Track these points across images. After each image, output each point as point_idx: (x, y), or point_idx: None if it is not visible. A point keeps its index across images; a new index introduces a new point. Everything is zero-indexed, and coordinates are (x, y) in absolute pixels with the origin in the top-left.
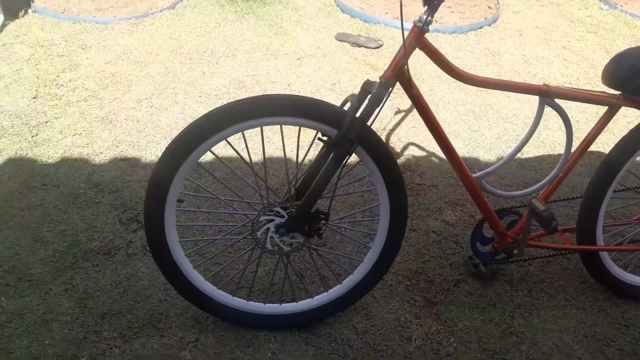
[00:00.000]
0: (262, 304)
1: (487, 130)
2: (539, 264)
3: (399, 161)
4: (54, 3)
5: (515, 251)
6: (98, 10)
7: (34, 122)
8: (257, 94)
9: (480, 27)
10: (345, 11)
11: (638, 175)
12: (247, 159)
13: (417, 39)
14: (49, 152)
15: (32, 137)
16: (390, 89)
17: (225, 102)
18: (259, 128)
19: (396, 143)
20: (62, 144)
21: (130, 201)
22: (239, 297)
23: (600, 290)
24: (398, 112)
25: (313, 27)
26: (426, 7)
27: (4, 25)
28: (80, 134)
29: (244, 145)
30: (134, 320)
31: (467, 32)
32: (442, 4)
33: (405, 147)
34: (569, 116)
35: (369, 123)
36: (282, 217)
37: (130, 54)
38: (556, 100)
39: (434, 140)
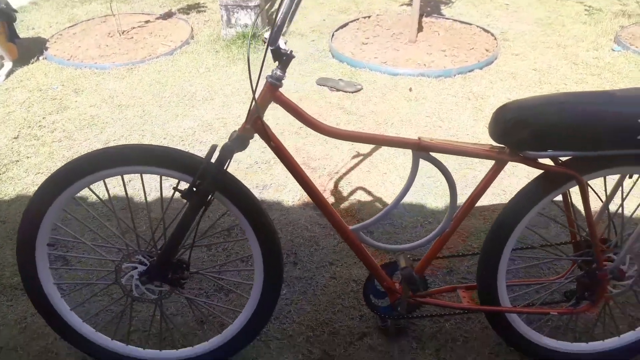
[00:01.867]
0: (141, 348)
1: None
2: (457, 321)
3: (342, 206)
4: (64, 50)
5: (399, 307)
6: (101, 57)
7: (6, 161)
8: (224, 135)
9: (471, 70)
10: (335, 56)
11: (541, 232)
12: (112, 206)
13: (271, 93)
14: (8, 190)
15: None
16: (247, 140)
17: (187, 144)
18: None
19: (344, 187)
20: (22, 182)
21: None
22: (118, 341)
23: (518, 355)
24: (356, 155)
25: (299, 72)
26: (277, 62)
27: (12, 71)
28: (42, 173)
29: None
30: (26, 356)
31: (454, 75)
32: (437, 48)
33: (353, 192)
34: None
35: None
36: (146, 264)
37: (115, 98)
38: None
39: (384, 186)
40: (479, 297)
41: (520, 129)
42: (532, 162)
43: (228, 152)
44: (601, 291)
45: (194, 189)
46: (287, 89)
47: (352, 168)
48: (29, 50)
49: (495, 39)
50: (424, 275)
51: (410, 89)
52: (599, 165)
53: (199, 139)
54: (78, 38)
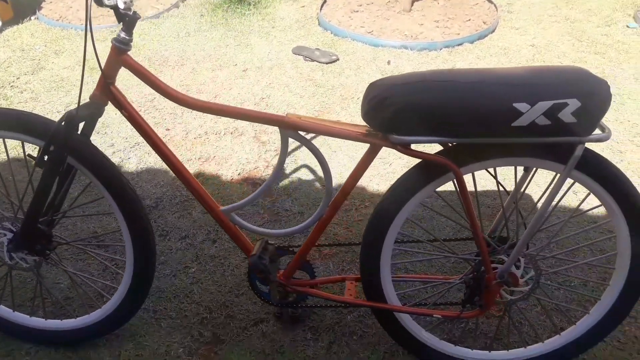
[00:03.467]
0: (27, 316)
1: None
2: (360, 314)
3: (281, 184)
4: (55, 11)
5: (271, 295)
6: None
7: None
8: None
9: (459, 44)
10: (321, 24)
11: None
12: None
13: (117, 57)
14: None
15: None
16: (99, 106)
17: (143, 110)
18: None
19: (289, 165)
20: None
21: (2, 202)
22: (5, 307)
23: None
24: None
25: (278, 40)
26: (121, 23)
27: (0, 30)
28: None
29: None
30: None
31: (440, 49)
32: (430, 18)
33: (295, 170)
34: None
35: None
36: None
37: (90, 61)
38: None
39: (330, 165)
40: (364, 290)
41: (383, 109)
42: (404, 149)
43: (72, 116)
44: (489, 296)
45: (44, 155)
46: (261, 57)
47: (301, 145)
48: (22, 11)
49: (497, 10)
50: (308, 262)
51: (389, 62)
52: (479, 156)
53: (156, 106)
54: None
